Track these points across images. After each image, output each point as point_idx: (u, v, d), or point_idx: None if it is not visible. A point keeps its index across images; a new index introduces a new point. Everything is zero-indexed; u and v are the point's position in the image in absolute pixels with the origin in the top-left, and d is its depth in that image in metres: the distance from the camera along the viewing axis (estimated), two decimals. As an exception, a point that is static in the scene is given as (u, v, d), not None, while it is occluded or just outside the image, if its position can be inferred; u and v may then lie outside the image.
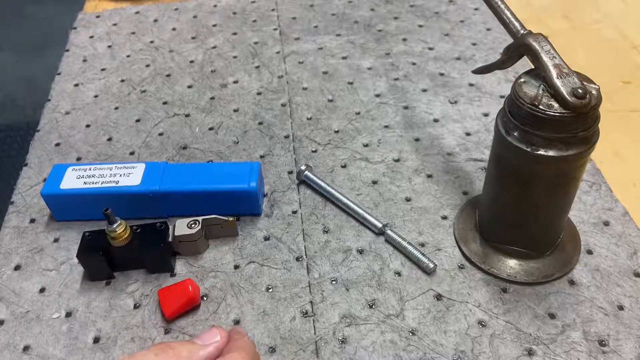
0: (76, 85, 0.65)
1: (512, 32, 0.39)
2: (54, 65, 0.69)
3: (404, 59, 0.66)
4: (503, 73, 0.62)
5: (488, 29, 0.69)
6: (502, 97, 0.60)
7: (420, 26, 0.71)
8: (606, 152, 0.53)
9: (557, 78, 0.35)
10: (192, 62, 0.67)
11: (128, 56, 0.69)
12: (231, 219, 0.46)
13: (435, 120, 0.58)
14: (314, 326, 0.41)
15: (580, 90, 0.34)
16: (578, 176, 0.39)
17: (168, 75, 0.65)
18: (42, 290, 0.45)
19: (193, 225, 0.45)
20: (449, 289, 0.43)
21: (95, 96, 0.63)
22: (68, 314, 0.43)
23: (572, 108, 0.34)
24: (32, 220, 0.50)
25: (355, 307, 0.42)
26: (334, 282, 0.44)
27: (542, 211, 0.41)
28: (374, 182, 0.52)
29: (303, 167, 0.51)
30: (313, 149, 0.55)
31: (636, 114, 0.58)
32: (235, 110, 0.60)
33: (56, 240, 0.48)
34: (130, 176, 0.48)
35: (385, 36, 0.69)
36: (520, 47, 0.38)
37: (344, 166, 0.53)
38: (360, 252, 0.46)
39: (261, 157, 0.55)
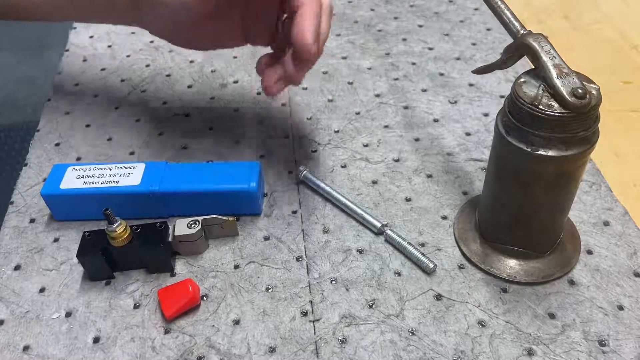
0: (76, 85, 0.65)
1: (512, 32, 0.39)
2: (54, 65, 0.69)
3: (404, 59, 0.66)
4: (503, 73, 0.62)
5: (488, 29, 0.69)
6: (502, 97, 0.60)
7: (420, 26, 0.71)
8: (606, 152, 0.53)
9: (557, 78, 0.35)
10: (192, 62, 0.67)
11: (128, 56, 0.69)
12: (231, 219, 0.46)
13: (435, 120, 0.58)
14: (314, 326, 0.41)
15: (580, 90, 0.34)
16: (578, 176, 0.39)
17: (168, 75, 0.65)
18: (42, 290, 0.45)
19: (193, 225, 0.45)
20: (449, 289, 0.43)
21: (95, 96, 0.63)
22: (68, 314, 0.43)
23: (572, 108, 0.34)
24: (32, 220, 0.50)
25: (355, 307, 0.42)
26: (333, 282, 0.44)
27: (542, 211, 0.41)
28: (374, 182, 0.52)
29: (302, 168, 0.51)
30: (313, 149, 0.55)
31: (636, 114, 0.58)
32: (235, 110, 0.60)
33: (56, 240, 0.48)
34: (130, 176, 0.48)
35: (385, 36, 0.69)
36: (520, 47, 0.38)
37: (344, 166, 0.53)
38: (360, 252, 0.46)
39: (261, 157, 0.55)
